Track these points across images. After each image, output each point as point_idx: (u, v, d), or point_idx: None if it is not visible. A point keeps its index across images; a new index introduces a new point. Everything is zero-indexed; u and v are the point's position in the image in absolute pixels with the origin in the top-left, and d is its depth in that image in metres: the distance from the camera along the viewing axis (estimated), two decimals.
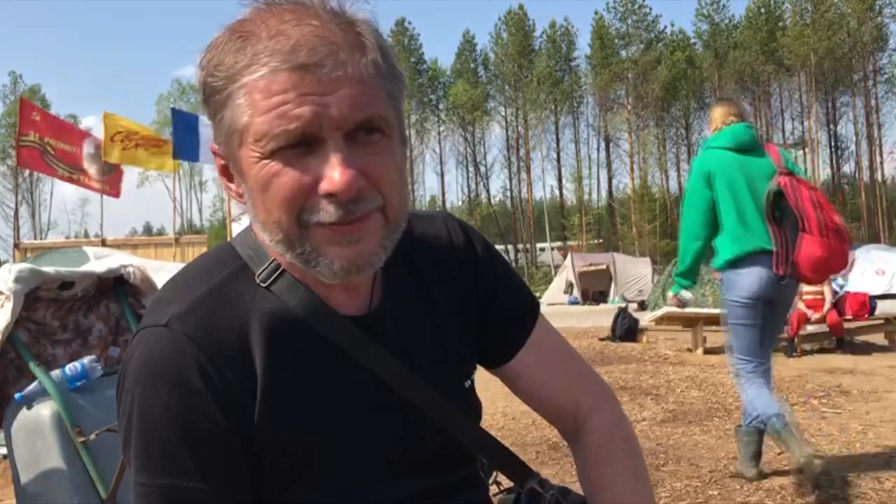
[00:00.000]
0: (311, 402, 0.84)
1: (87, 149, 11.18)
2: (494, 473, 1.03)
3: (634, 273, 26.11)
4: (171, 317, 0.81)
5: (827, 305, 8.76)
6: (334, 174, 0.75)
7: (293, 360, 0.84)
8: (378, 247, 0.81)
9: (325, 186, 0.76)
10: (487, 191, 63.05)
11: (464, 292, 0.98)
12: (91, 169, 11.18)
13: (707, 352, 8.55)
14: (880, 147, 55.32)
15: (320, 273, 0.81)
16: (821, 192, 3.56)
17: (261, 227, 0.82)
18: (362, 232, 0.79)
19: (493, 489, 1.04)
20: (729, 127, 3.66)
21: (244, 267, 0.88)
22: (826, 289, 8.91)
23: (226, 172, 0.85)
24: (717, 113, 3.79)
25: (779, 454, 4.08)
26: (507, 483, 1.03)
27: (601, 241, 51.58)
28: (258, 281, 0.86)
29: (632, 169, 55.15)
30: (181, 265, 1.20)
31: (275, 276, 0.86)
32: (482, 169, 61.99)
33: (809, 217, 3.34)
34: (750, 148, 3.60)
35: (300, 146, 0.76)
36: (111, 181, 11.61)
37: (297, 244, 0.79)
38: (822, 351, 8.76)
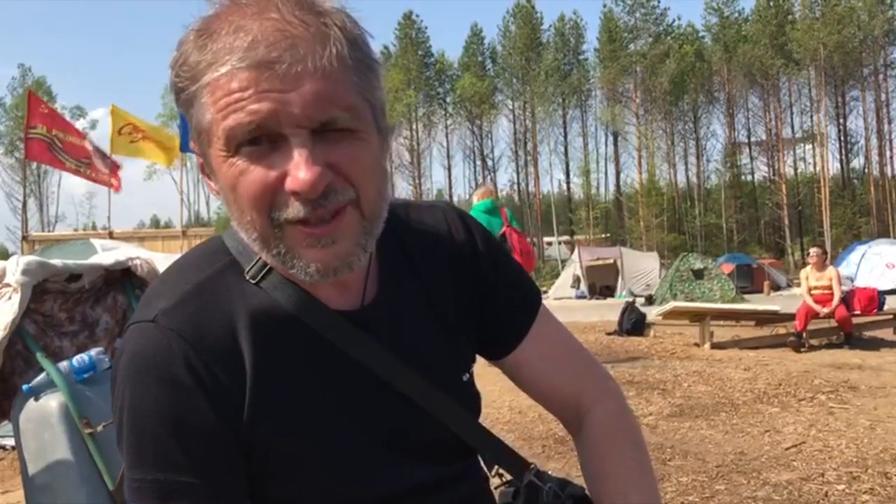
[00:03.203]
0: (302, 397, 0.83)
1: (91, 144, 11.20)
2: (496, 466, 1.03)
3: (642, 267, 26.06)
4: (159, 312, 0.81)
5: (835, 300, 8.69)
6: (299, 173, 0.72)
7: (283, 355, 0.83)
8: (355, 246, 0.78)
9: (289, 184, 0.73)
10: (495, 184, 62.94)
11: (463, 284, 0.97)
12: (97, 162, 11.19)
13: (714, 346, 8.52)
14: (890, 142, 55.01)
15: (296, 274, 0.79)
16: (522, 235, 7.20)
17: (237, 226, 0.80)
18: (337, 232, 0.76)
19: (496, 481, 1.03)
20: (484, 200, 7.13)
21: (233, 262, 0.86)
22: (835, 284, 8.86)
23: (205, 170, 0.84)
24: (482, 191, 7.39)
25: (786, 449, 4.07)
26: (509, 475, 1.02)
27: (608, 235, 51.49)
28: (248, 277, 0.85)
29: (639, 163, 54.97)
30: None
31: (263, 272, 0.85)
32: (489, 163, 62.00)
33: (515, 247, 6.72)
34: (493, 211, 6.98)
35: (264, 144, 0.74)
36: (113, 174, 11.62)
37: (273, 244, 0.78)
38: (830, 346, 8.73)
